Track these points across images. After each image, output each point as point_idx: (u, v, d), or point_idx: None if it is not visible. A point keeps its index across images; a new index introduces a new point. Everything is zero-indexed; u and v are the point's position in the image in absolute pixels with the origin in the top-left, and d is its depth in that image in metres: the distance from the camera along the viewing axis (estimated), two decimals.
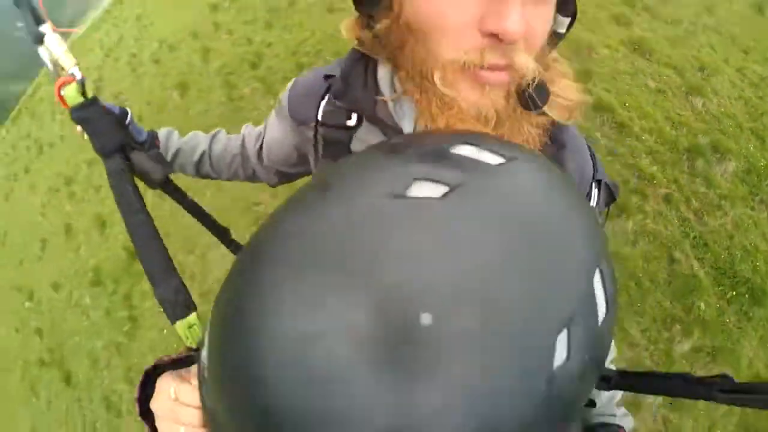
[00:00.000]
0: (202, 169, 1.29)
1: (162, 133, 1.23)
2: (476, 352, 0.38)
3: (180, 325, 0.85)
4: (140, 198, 0.88)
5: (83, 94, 0.90)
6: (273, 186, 1.25)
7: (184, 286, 0.87)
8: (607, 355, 0.50)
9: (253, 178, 1.26)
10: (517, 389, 0.39)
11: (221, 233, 1.22)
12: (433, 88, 0.73)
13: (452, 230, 0.40)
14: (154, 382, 0.76)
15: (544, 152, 0.82)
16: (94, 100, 0.91)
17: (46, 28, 0.89)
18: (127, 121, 1.03)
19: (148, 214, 0.88)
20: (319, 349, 0.38)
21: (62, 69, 0.89)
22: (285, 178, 1.20)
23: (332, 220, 0.42)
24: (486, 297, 0.39)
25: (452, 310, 0.38)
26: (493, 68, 0.70)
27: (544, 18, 0.72)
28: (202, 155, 1.26)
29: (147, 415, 0.77)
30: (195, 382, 0.68)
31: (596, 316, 0.45)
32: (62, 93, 0.89)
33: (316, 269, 0.40)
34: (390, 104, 0.82)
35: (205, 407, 0.56)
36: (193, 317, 0.86)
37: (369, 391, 0.37)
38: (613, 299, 0.48)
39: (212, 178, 1.33)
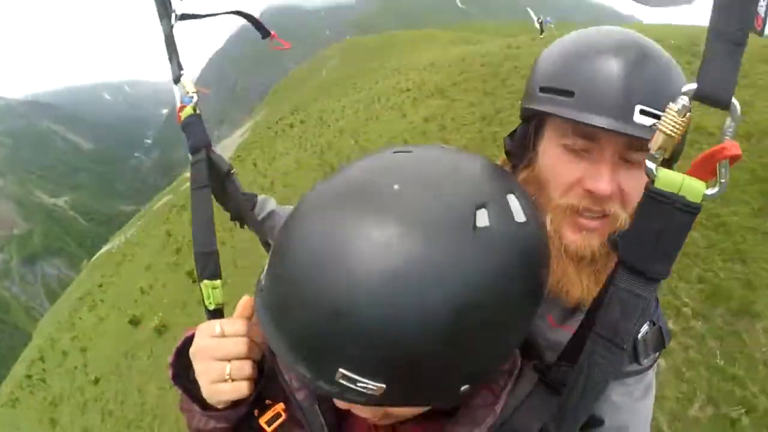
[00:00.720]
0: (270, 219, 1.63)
1: (260, 197, 1.62)
2: (424, 203, 0.62)
3: (206, 284, 1.16)
4: (208, 179, 1.29)
5: (194, 110, 1.38)
6: None
7: (218, 258, 1.21)
8: (541, 277, 0.72)
9: None
10: (448, 227, 0.61)
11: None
12: (544, 222, 1.01)
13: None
14: (187, 353, 0.88)
15: None
16: (199, 116, 1.39)
17: (183, 74, 1.40)
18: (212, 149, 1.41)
19: (210, 192, 1.29)
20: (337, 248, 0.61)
21: (188, 94, 1.38)
22: None
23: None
24: (431, 183, 0.65)
25: (411, 184, 0.64)
26: (588, 217, 0.99)
27: (636, 179, 0.95)
28: None
29: (179, 381, 0.90)
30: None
31: (512, 215, 0.67)
32: (181, 113, 1.38)
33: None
34: None
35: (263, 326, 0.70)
36: (218, 282, 1.17)
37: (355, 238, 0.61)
38: (535, 221, 0.72)
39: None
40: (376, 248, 0.59)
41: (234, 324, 0.85)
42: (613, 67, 0.91)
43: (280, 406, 0.90)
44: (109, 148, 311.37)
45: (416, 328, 0.59)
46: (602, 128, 0.89)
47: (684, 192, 0.63)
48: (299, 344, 0.63)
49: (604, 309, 0.70)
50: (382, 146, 1.12)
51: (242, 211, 1.48)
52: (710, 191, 0.64)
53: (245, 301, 0.88)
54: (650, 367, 1.13)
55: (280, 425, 0.89)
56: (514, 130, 1.13)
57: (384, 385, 0.62)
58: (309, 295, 0.61)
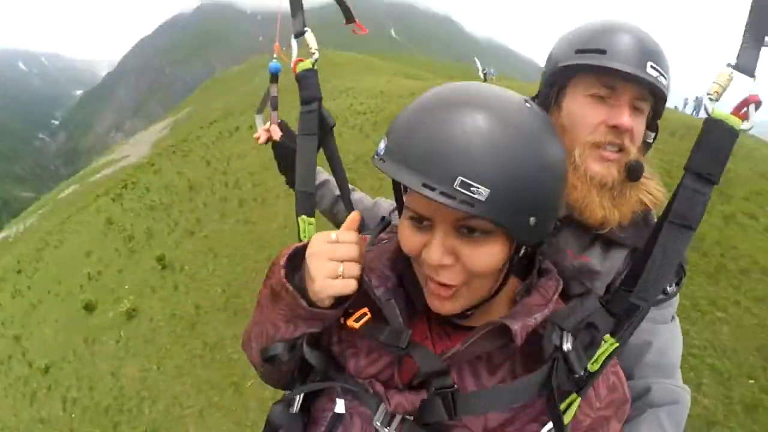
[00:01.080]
0: (338, 203, 1.79)
1: (319, 167, 1.71)
2: (500, 97, 0.89)
3: (303, 219, 1.35)
4: (315, 127, 1.43)
5: (313, 65, 1.47)
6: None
7: (315, 199, 1.41)
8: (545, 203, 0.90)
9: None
10: (518, 103, 0.91)
11: (344, 184, 1.54)
12: (573, 163, 1.27)
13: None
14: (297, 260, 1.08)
15: (634, 219, 1.34)
16: (315, 71, 1.48)
17: (307, 31, 1.48)
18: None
19: (316, 139, 1.42)
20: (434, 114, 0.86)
21: (310, 50, 1.47)
22: None
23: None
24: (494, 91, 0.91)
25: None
26: (610, 150, 1.28)
27: (641, 124, 1.31)
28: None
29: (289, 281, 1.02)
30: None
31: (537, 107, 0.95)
32: (297, 66, 1.49)
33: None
34: None
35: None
36: (312, 219, 1.36)
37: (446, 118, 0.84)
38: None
39: (331, 221, 1.85)
40: (488, 111, 0.86)
41: (347, 233, 1.00)
42: (630, 37, 1.25)
43: (364, 309, 1.02)
44: (12, 122, 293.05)
45: (510, 153, 0.83)
46: (627, 74, 1.21)
47: (729, 122, 0.96)
48: (431, 169, 0.82)
49: (677, 202, 0.97)
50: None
51: (334, 164, 1.51)
52: (745, 125, 0.96)
53: (353, 216, 1.03)
54: (673, 295, 1.36)
55: (365, 323, 1.00)
56: (536, 96, 1.41)
57: (489, 191, 0.80)
58: (441, 134, 0.84)
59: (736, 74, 0.96)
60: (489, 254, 0.90)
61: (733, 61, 0.96)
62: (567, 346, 0.92)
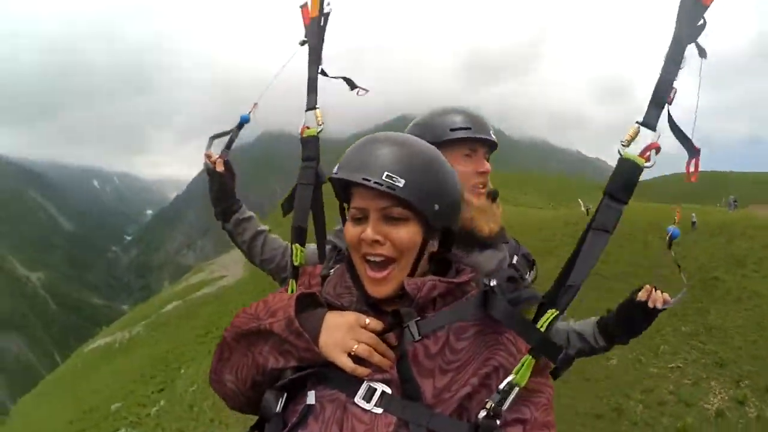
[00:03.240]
0: (257, 239, 2.16)
1: (244, 206, 2.17)
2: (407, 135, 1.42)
3: (296, 247, 1.73)
4: (312, 179, 1.84)
5: (317, 133, 1.88)
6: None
7: (306, 232, 1.80)
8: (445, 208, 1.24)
9: (278, 268, 2.08)
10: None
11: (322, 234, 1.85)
12: (463, 198, 1.56)
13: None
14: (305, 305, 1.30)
15: (499, 231, 1.81)
16: (317, 138, 1.90)
17: (318, 108, 1.92)
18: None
19: (311, 187, 1.83)
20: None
21: (318, 122, 1.89)
22: None
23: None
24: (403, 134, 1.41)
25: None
26: (480, 187, 1.81)
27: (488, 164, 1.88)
28: (263, 231, 2.17)
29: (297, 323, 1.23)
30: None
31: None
32: (304, 131, 1.89)
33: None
34: None
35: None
36: (303, 248, 1.75)
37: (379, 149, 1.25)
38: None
39: (246, 250, 2.17)
40: (397, 138, 1.30)
41: (376, 324, 1.23)
42: (478, 115, 1.88)
43: None
44: (88, 235, 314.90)
45: (415, 158, 1.25)
46: (484, 139, 1.81)
47: (636, 161, 1.37)
48: (367, 168, 1.21)
49: (598, 215, 1.40)
50: None
51: (318, 210, 1.88)
52: (647, 165, 1.37)
53: (375, 321, 1.24)
54: None
55: None
56: None
57: (404, 181, 1.19)
58: (372, 151, 1.25)
59: (643, 129, 1.37)
60: (408, 232, 1.23)
61: (641, 119, 1.38)
62: (494, 282, 1.28)
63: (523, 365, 1.18)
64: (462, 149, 1.83)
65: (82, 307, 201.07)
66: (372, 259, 1.25)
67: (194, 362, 30.13)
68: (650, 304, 1.87)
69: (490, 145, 1.88)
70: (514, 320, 1.22)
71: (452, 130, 1.82)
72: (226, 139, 2.14)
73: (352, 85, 2.03)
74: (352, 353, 1.18)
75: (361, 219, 1.26)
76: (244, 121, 2.14)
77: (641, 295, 1.90)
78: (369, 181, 1.18)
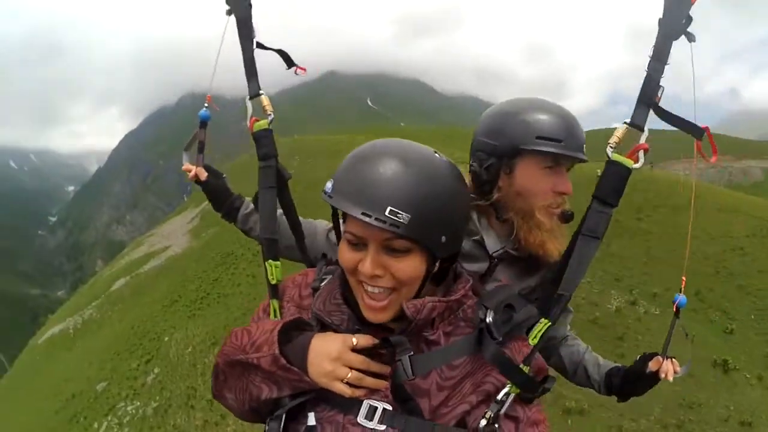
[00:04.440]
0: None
1: (247, 198, 2.02)
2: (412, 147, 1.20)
3: (270, 263, 1.58)
4: (274, 180, 1.70)
5: (268, 124, 1.73)
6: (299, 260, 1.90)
7: (278, 244, 1.67)
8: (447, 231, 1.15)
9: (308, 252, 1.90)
10: (427, 153, 1.19)
11: (299, 236, 1.84)
12: (532, 217, 1.67)
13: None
14: (290, 334, 1.25)
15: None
16: (270, 130, 1.73)
17: (263, 93, 1.75)
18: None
19: (275, 191, 1.70)
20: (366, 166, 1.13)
21: (265, 111, 1.71)
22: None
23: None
24: (410, 144, 1.21)
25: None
26: (554, 208, 1.70)
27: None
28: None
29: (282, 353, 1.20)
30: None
31: (444, 157, 1.23)
32: (253, 125, 1.73)
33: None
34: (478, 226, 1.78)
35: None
36: (278, 263, 1.59)
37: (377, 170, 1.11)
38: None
39: (254, 236, 1.96)
40: (406, 158, 1.14)
41: (366, 338, 1.20)
42: (573, 125, 1.67)
43: None
44: (11, 220, 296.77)
45: (424, 187, 1.12)
46: (575, 157, 1.64)
47: (624, 163, 1.35)
48: (367, 201, 1.09)
49: (587, 220, 1.38)
50: None
51: (289, 212, 1.82)
52: (635, 165, 1.35)
53: (363, 338, 1.20)
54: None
55: None
56: (480, 165, 1.74)
57: (410, 216, 1.08)
58: (373, 176, 1.11)
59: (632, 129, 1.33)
60: (411, 266, 1.14)
61: (629, 119, 1.35)
62: (489, 319, 1.21)
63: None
64: (544, 161, 1.67)
65: (18, 299, 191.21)
66: (370, 289, 1.17)
67: (178, 329, 31.10)
68: (661, 376, 1.74)
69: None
70: (501, 364, 1.21)
71: (539, 138, 1.64)
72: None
73: (289, 63, 1.90)
74: (345, 381, 1.17)
75: (359, 246, 1.17)
76: (205, 119, 1.98)
77: (652, 366, 1.76)
78: (370, 216, 1.07)
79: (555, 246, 1.68)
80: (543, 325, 1.35)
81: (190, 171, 1.96)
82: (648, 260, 24.45)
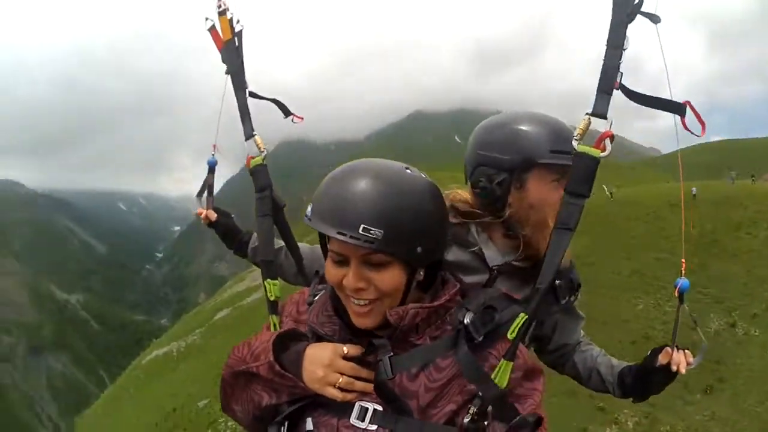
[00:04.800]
0: (279, 256, 2.06)
1: (255, 232, 2.12)
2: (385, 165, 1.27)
3: (268, 282, 1.69)
4: (269, 209, 1.80)
5: (263, 160, 1.82)
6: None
7: (275, 265, 1.81)
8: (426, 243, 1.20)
9: (298, 275, 2.03)
10: (399, 169, 1.26)
11: (298, 258, 1.96)
12: (547, 228, 1.47)
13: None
14: (285, 345, 1.32)
15: None
16: (265, 165, 1.83)
17: (255, 134, 1.83)
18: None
19: (271, 219, 1.80)
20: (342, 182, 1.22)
21: (260, 149, 1.82)
22: None
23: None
24: (383, 163, 1.28)
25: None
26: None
27: None
28: (281, 247, 2.05)
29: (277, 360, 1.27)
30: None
31: (417, 171, 1.29)
32: (250, 162, 1.83)
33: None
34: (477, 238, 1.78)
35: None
36: (276, 281, 1.71)
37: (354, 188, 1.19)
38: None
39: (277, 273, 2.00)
40: (376, 176, 1.20)
41: (355, 348, 1.27)
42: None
43: None
44: (121, 256, 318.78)
45: (394, 203, 1.16)
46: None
47: (591, 153, 1.31)
48: (341, 221, 1.15)
49: (560, 213, 1.35)
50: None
51: (286, 236, 1.94)
52: (603, 154, 1.31)
53: (353, 348, 1.27)
54: (574, 301, 1.94)
55: None
56: (490, 181, 1.72)
57: (382, 231, 1.13)
58: (345, 196, 1.18)
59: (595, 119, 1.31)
60: (391, 277, 1.20)
61: (590, 110, 1.32)
62: (467, 320, 1.26)
63: (499, 370, 1.23)
64: (553, 174, 1.69)
65: (124, 324, 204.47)
66: (356, 301, 1.25)
67: None
68: (673, 368, 1.69)
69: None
70: (471, 370, 1.22)
71: (554, 152, 1.66)
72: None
73: (285, 112, 1.96)
74: (337, 386, 1.24)
75: (342, 262, 1.24)
76: (212, 165, 2.15)
77: (662, 359, 1.71)
78: (345, 235, 1.14)
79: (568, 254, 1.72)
80: (521, 319, 1.29)
81: (201, 214, 2.16)
82: (749, 280, 23.88)
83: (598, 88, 1.35)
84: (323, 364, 1.25)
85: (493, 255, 1.78)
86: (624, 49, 1.34)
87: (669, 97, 1.37)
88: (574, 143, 1.35)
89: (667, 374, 1.74)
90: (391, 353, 1.23)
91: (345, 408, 1.25)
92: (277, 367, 1.27)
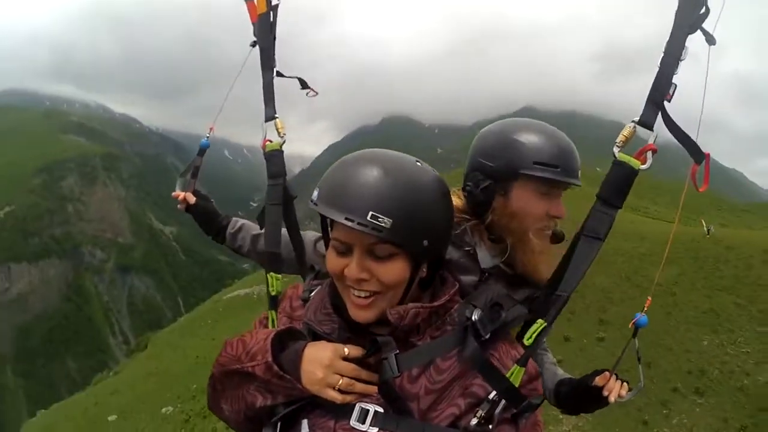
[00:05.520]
0: (258, 242, 2.08)
1: (235, 218, 2.19)
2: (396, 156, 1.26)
3: (271, 275, 1.61)
4: (280, 198, 1.73)
5: (280, 146, 1.77)
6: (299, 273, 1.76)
7: (281, 257, 1.71)
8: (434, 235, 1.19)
9: (290, 264, 1.82)
10: (411, 162, 1.25)
11: (302, 259, 1.78)
12: (526, 239, 1.66)
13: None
14: (285, 344, 1.26)
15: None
16: (282, 151, 1.78)
17: (278, 117, 1.79)
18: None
19: (280, 207, 1.73)
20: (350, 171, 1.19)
21: (280, 134, 1.79)
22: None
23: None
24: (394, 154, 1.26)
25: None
26: (547, 231, 1.71)
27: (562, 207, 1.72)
28: (261, 234, 2.00)
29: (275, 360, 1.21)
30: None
31: (427, 166, 1.29)
32: (267, 144, 1.78)
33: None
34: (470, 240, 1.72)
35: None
36: (279, 275, 1.63)
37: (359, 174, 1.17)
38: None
39: (255, 259, 2.15)
40: (387, 165, 1.18)
41: (356, 349, 1.23)
42: (569, 150, 1.66)
43: None
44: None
45: (404, 193, 1.14)
46: (570, 183, 1.65)
47: (631, 163, 1.30)
48: (349, 206, 1.12)
49: (589, 221, 1.33)
50: None
51: (292, 227, 1.83)
52: (643, 167, 1.30)
53: (354, 348, 1.23)
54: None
55: None
56: (476, 186, 1.71)
57: (391, 220, 1.10)
58: (355, 182, 1.15)
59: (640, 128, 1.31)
60: (395, 270, 1.18)
61: (637, 119, 1.31)
62: (475, 316, 1.24)
63: (511, 375, 1.22)
64: (540, 186, 1.65)
65: (208, 261, 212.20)
66: (356, 293, 1.20)
67: None
68: (605, 393, 1.70)
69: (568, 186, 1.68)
70: (481, 366, 1.21)
71: (537, 164, 1.62)
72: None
73: (304, 85, 1.94)
74: (336, 388, 1.18)
75: (345, 252, 1.20)
76: (204, 147, 2.15)
77: (598, 381, 1.72)
78: (352, 221, 1.11)
79: (546, 267, 1.61)
80: (539, 325, 1.30)
81: (180, 197, 2.13)
82: (742, 311, 23.27)
83: (649, 96, 1.33)
84: (323, 365, 1.20)
85: (484, 257, 1.74)
86: (681, 60, 1.32)
87: (697, 133, 1.35)
88: (615, 150, 1.34)
89: (600, 398, 1.73)
90: (397, 351, 1.20)
91: (344, 410, 1.21)
92: (276, 369, 1.21)
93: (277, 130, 1.78)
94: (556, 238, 1.74)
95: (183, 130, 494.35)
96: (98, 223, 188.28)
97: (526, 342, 1.28)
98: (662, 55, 1.31)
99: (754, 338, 20.95)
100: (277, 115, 1.79)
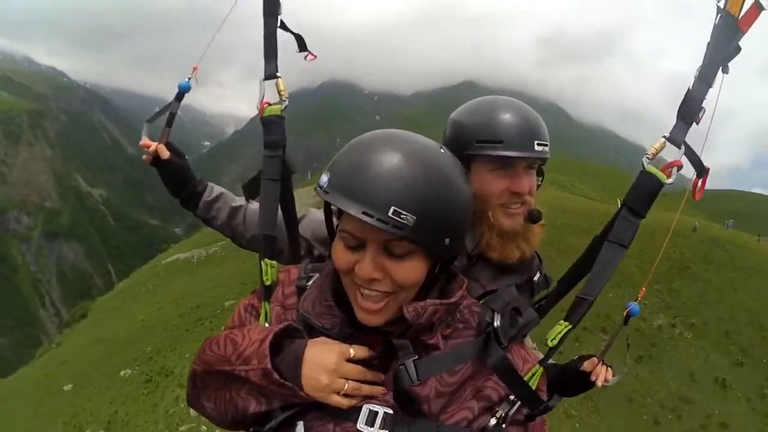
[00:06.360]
0: (236, 216, 1.87)
1: (211, 183, 1.91)
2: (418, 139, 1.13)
3: (266, 262, 1.39)
4: (278, 173, 1.53)
5: (281, 111, 1.57)
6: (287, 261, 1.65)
7: (278, 241, 1.51)
8: (453, 232, 1.09)
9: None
10: (434, 147, 1.12)
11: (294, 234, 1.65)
12: (488, 220, 1.60)
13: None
14: (281, 344, 1.16)
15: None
16: (282, 117, 1.57)
17: (280, 76, 1.60)
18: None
19: (279, 185, 1.53)
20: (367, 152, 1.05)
21: (282, 96, 1.58)
22: (310, 255, 1.63)
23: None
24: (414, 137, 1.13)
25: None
26: (514, 208, 1.61)
27: (533, 178, 1.66)
28: (240, 206, 1.86)
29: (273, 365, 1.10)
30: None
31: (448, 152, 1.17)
32: (266, 107, 1.56)
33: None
34: None
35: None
36: (275, 263, 1.41)
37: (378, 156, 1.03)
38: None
39: (228, 234, 1.92)
40: (411, 153, 1.06)
41: (363, 349, 1.14)
42: (518, 121, 1.58)
43: None
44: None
45: (430, 186, 1.03)
46: (521, 157, 1.56)
47: (658, 176, 1.33)
48: (368, 199, 1.00)
49: (615, 227, 1.35)
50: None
51: (288, 207, 1.63)
52: (668, 181, 1.34)
53: (360, 349, 1.14)
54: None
55: None
56: None
57: (415, 218, 1.00)
58: (375, 171, 1.02)
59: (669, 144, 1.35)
60: (412, 269, 1.08)
61: (668, 134, 1.36)
62: (497, 323, 1.18)
63: (532, 376, 1.19)
64: (491, 163, 1.60)
65: (139, 226, 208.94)
66: (366, 293, 1.10)
67: None
68: (592, 378, 1.65)
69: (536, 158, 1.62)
70: (506, 373, 1.16)
71: (479, 142, 1.59)
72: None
73: (302, 46, 1.75)
74: (342, 393, 1.10)
75: (356, 247, 1.09)
76: (184, 90, 1.80)
77: (586, 366, 1.68)
78: (371, 217, 0.99)
79: (518, 247, 1.62)
80: (564, 327, 1.28)
81: (148, 147, 1.78)
82: (699, 301, 31.03)
83: (679, 114, 1.38)
84: (328, 369, 1.10)
85: (468, 241, 1.66)
86: (710, 87, 1.37)
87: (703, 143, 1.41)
88: (644, 161, 1.37)
89: (586, 382, 1.69)
90: (415, 356, 1.12)
91: (345, 412, 1.12)
92: (275, 376, 1.11)
93: (279, 91, 1.58)
94: (532, 217, 1.65)
95: (112, 85, 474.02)
96: (23, 186, 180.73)
97: (550, 343, 1.27)
98: (694, 78, 1.38)
99: (649, 294, 26.74)
100: (279, 74, 1.60)
